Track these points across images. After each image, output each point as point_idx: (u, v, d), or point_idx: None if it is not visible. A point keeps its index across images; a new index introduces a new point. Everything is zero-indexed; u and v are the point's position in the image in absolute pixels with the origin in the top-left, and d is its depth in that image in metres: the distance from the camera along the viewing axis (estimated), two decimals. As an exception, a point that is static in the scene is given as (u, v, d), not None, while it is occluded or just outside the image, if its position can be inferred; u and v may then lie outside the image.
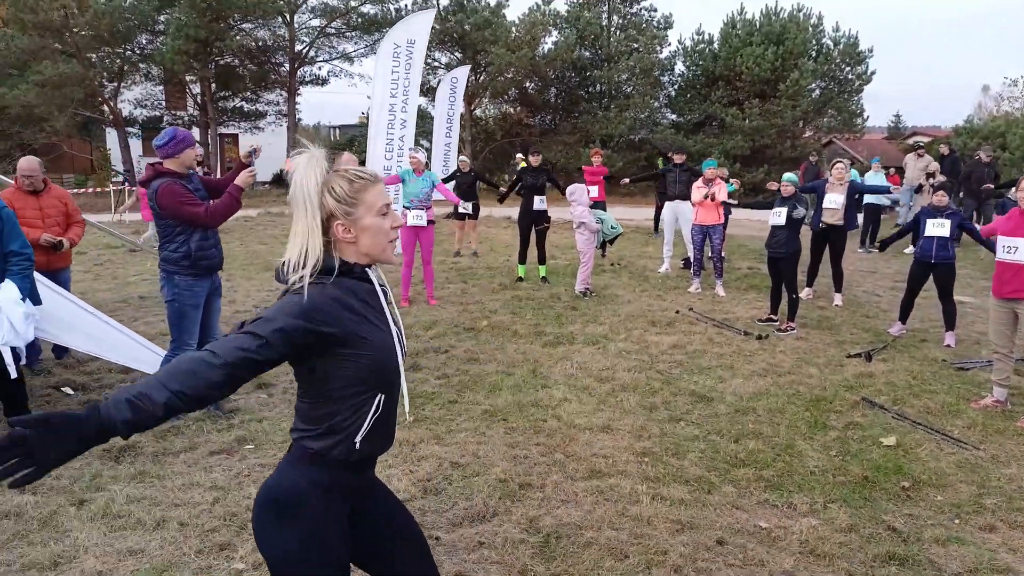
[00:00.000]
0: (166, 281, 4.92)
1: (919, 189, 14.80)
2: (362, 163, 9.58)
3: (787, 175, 8.17)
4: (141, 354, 5.53)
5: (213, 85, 26.76)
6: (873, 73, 27.33)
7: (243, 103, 28.38)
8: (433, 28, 15.05)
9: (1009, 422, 5.30)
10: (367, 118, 33.52)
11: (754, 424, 5.14)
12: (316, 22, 27.35)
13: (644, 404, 5.50)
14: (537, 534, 3.55)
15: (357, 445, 1.86)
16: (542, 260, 10.19)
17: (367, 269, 1.90)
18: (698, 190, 9.53)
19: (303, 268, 1.78)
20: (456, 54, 26.90)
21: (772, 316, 8.20)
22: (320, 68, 29.24)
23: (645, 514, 3.76)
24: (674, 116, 28.51)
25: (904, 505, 4.00)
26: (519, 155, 18.74)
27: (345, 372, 1.81)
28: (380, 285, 1.93)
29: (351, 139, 35.53)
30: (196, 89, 27.17)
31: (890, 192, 10.51)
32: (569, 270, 11.15)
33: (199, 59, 24.70)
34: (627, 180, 12.03)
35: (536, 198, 9.82)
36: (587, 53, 27.60)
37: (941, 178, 12.89)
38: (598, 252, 10.38)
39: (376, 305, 1.90)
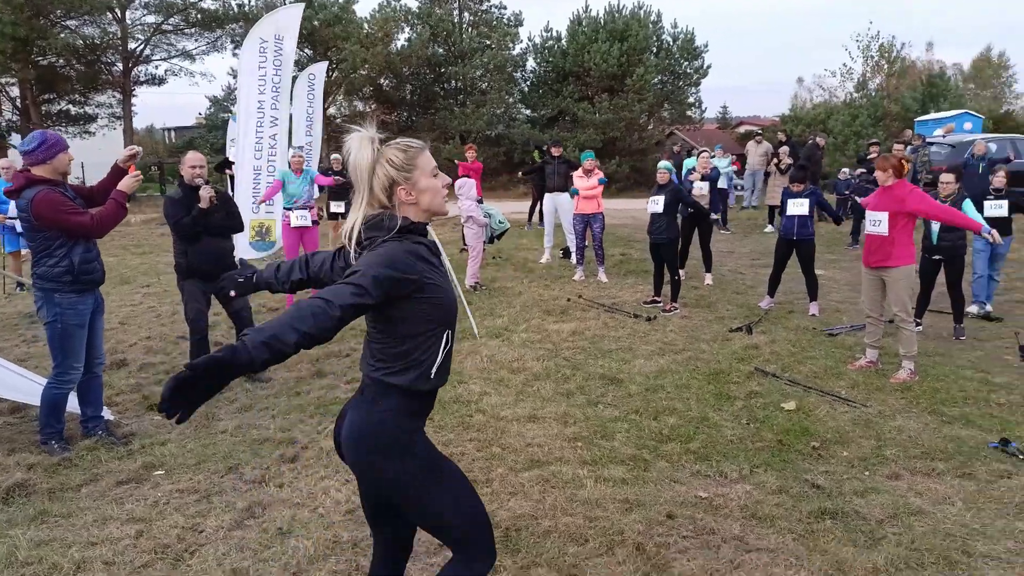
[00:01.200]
0: (44, 301, 4.43)
1: (766, 174, 15.97)
2: (221, 165, 9.04)
3: (662, 163, 8.55)
4: (18, 383, 4.95)
5: (35, 87, 24.30)
6: (709, 67, 29.17)
7: (70, 106, 25.99)
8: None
9: (884, 379, 5.84)
10: (205, 119, 31.68)
11: (666, 401, 5.36)
12: (151, 18, 25.53)
13: (561, 391, 5.59)
14: (496, 529, 3.51)
15: (432, 375, 2.14)
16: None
17: (427, 227, 2.21)
18: (579, 179, 9.78)
19: (373, 230, 2.08)
20: (306, 51, 25.99)
21: (656, 298, 8.57)
22: (157, 67, 27.35)
23: (593, 497, 3.82)
24: (528, 111, 29.07)
25: (819, 463, 4.32)
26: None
27: (422, 313, 2.08)
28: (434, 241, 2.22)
29: (189, 141, 33.50)
30: (15, 92, 24.57)
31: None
32: (454, 264, 11.08)
33: (17, 59, 22.35)
34: (521, 174, 12.18)
35: None
36: (441, 50, 27.55)
37: (788, 161, 13.96)
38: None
39: (435, 257, 2.18)
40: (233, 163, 9.68)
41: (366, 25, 25.50)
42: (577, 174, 9.86)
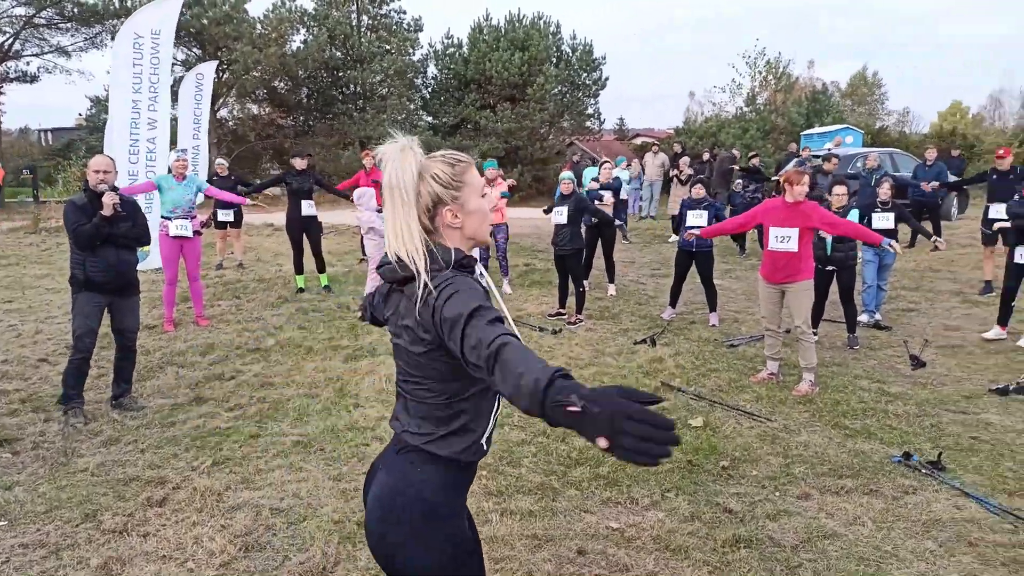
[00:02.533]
0: None
1: (667, 184, 16.23)
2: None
3: (565, 173, 8.41)
4: None
5: None
6: (607, 79, 29.64)
7: (-74, 106, 23.71)
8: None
9: (786, 392, 5.85)
10: (85, 120, 29.65)
11: (574, 421, 5.14)
12: (21, 11, 23.59)
13: (463, 413, 5.29)
14: (391, 577, 3.18)
15: (484, 446, 1.86)
16: (321, 268, 9.59)
17: (476, 263, 1.84)
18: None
19: (431, 257, 1.74)
20: (195, 50, 24.68)
21: (561, 310, 8.41)
22: (28, 63, 25.32)
23: (500, 533, 3.54)
24: (430, 118, 28.68)
25: (729, 484, 4.19)
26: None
27: None
28: (482, 274, 1.89)
29: (68, 143, 31.23)
30: None
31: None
32: (351, 277, 10.64)
33: None
34: None
35: (304, 203, 9.25)
36: (339, 53, 26.75)
37: (689, 171, 14.18)
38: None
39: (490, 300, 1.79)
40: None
41: (259, 25, 24.45)
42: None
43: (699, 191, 8.18)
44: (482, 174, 9.41)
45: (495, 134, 26.49)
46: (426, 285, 1.71)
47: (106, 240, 5.10)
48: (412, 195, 1.76)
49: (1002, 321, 7.50)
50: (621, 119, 43.83)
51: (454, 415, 1.80)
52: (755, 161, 13.52)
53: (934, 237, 7.57)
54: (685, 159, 15.13)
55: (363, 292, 9.05)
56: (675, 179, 14.68)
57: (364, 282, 9.32)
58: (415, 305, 1.73)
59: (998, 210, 9.32)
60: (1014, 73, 79.75)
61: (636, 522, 3.70)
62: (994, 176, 10.10)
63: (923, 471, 4.33)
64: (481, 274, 1.87)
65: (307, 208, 9.27)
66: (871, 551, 3.44)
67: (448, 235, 1.83)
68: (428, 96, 29.21)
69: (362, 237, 11.98)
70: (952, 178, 15.69)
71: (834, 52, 74.34)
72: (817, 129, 24.97)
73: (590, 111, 29.89)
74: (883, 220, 8.26)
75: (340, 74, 26.74)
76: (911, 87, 76.08)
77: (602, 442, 1.26)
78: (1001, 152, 10.39)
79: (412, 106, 27.99)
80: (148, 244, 5.67)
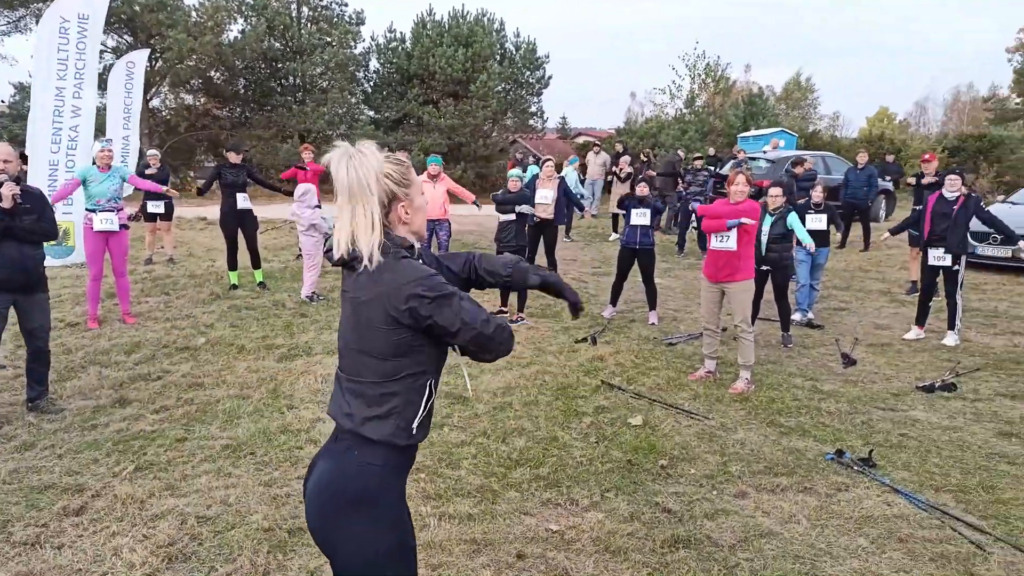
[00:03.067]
0: None
1: (608, 183, 16.35)
2: (23, 156, 7.84)
3: (512, 171, 8.34)
4: None
5: None
6: (550, 78, 29.74)
7: None
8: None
9: (723, 390, 5.92)
10: (8, 107, 28.21)
11: (514, 421, 5.10)
12: (-63, -8, 22.30)
13: (402, 414, 5.17)
14: (323, 586, 3.07)
15: (415, 431, 1.94)
16: (256, 264, 9.31)
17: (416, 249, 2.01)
18: (425, 184, 9.38)
19: (379, 249, 1.86)
20: (126, 37, 23.74)
21: (503, 308, 8.35)
22: (-58, 46, 23.93)
23: (437, 539, 3.46)
24: (372, 112, 28.27)
25: (668, 483, 4.20)
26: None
27: (418, 351, 1.90)
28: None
29: (-12, 131, 29.69)
30: None
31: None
32: (287, 273, 10.37)
33: None
34: None
35: (239, 196, 8.97)
36: (278, 44, 26.10)
37: (628, 170, 14.30)
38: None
39: None
40: (27, 155, 8.45)
41: (194, 13, 23.64)
42: (423, 179, 9.46)
43: (643, 189, 8.23)
44: (425, 169, 9.32)
45: (438, 130, 26.28)
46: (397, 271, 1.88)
47: (6, 234, 4.80)
48: (375, 193, 1.87)
49: (919, 322, 7.76)
50: (564, 118, 44.04)
51: (385, 396, 1.89)
52: (697, 164, 13.72)
53: (885, 234, 8.23)
54: (626, 158, 15.26)
55: (300, 290, 8.82)
56: (615, 177, 14.82)
57: (300, 278, 9.09)
58: (391, 294, 1.86)
59: None
60: (937, 81, 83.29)
61: (576, 524, 3.67)
62: (921, 180, 10.48)
63: (855, 468, 4.42)
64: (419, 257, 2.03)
65: (242, 202, 9.00)
66: (806, 549, 3.48)
67: (398, 230, 1.99)
68: (370, 90, 28.79)
69: (300, 234, 11.72)
70: (884, 183, 16.26)
71: (769, 58, 76.33)
72: (753, 132, 25.55)
73: (533, 109, 29.94)
74: (816, 221, 8.47)
75: (279, 65, 26.10)
76: (842, 92, 78.75)
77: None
78: (927, 156, 10.78)
79: (353, 100, 27.52)
80: (55, 239, 5.37)
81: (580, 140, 38.53)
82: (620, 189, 14.05)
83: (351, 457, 1.89)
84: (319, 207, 8.80)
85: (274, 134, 25.36)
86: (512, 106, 28.95)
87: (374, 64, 28.74)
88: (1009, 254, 11.01)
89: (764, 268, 7.48)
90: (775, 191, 7.45)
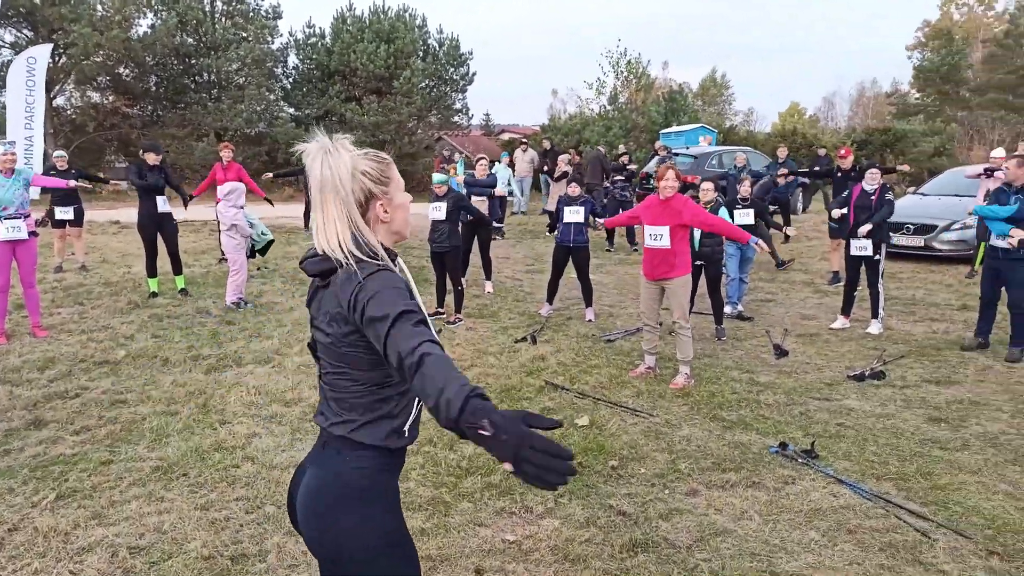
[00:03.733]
0: None
1: (536, 180, 16.36)
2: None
3: (437, 176, 8.18)
4: None
5: None
6: (475, 75, 29.59)
7: None
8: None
9: (664, 386, 5.95)
10: None
11: (460, 427, 4.97)
12: None
13: (343, 424, 4.99)
14: (272, 616, 2.90)
15: (407, 431, 1.89)
16: (177, 270, 8.88)
17: (397, 257, 1.90)
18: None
19: (359, 249, 1.78)
20: (25, 32, 22.34)
21: (439, 309, 8.21)
22: None
23: (390, 557, 3.31)
24: (292, 110, 27.51)
25: (620, 485, 4.17)
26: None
27: None
28: (403, 269, 1.92)
29: None
30: None
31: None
32: (210, 278, 9.94)
33: None
34: (270, 175, 11.20)
35: (159, 199, 8.54)
36: (190, 40, 25.07)
37: (566, 168, 14.33)
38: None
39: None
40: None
41: (100, 7, 22.43)
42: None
43: (574, 189, 8.23)
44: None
45: (362, 127, 25.78)
46: (355, 273, 1.75)
47: None
48: (349, 191, 1.79)
49: (845, 311, 8.03)
50: (487, 114, 44.00)
51: (376, 402, 1.83)
52: (624, 159, 13.86)
53: (784, 228, 8.74)
54: (564, 156, 15.31)
55: (224, 296, 8.45)
56: (549, 176, 14.85)
57: (224, 283, 8.71)
58: (341, 290, 1.75)
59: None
60: (843, 78, 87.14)
61: (532, 532, 3.59)
62: (838, 174, 10.85)
63: (799, 460, 4.49)
64: (401, 269, 1.89)
65: (162, 205, 8.58)
66: (761, 546, 3.50)
67: (377, 229, 1.88)
68: (289, 87, 28.01)
69: (219, 235, 11.25)
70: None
71: (685, 57, 78.24)
72: (675, 128, 26.05)
73: (458, 106, 29.76)
74: (744, 216, 8.64)
75: (192, 61, 25.09)
76: (754, 89, 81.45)
77: (507, 466, 1.38)
78: (843, 152, 11.18)
79: (272, 97, 26.71)
80: None
81: (504, 137, 38.59)
82: (557, 188, 14.08)
83: (343, 460, 1.84)
84: (243, 207, 8.45)
85: (189, 132, 24.35)
86: (436, 103, 28.68)
87: (293, 60, 27.99)
88: (922, 243, 11.53)
89: (697, 263, 7.58)
90: (707, 186, 7.56)
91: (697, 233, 7.48)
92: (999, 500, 3.95)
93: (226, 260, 10.88)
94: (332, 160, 1.79)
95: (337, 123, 26.53)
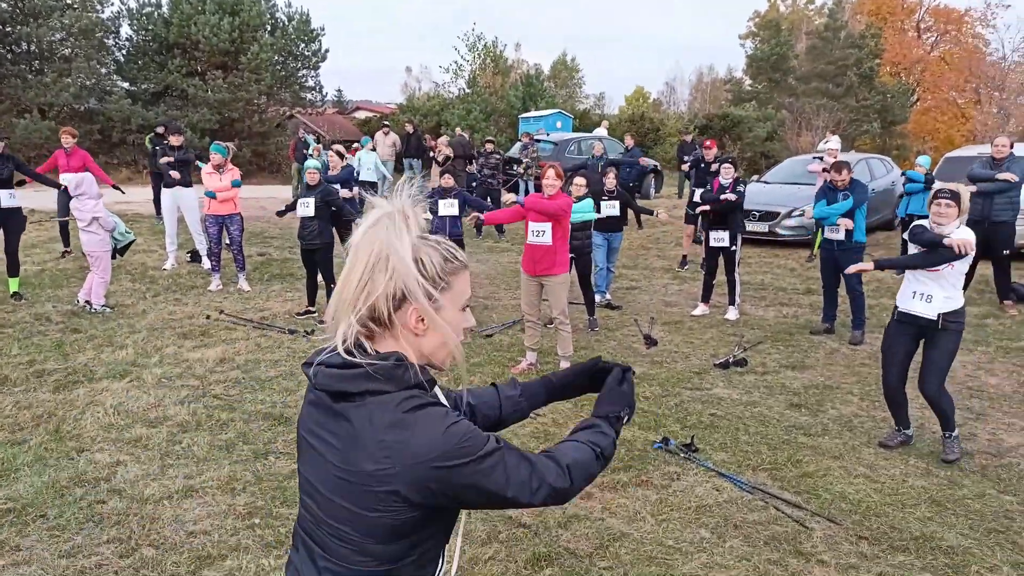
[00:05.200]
0: None
1: (399, 163, 16.04)
2: None
3: (311, 162, 7.82)
4: None
5: None
6: (327, 51, 28.51)
7: None
8: None
9: (547, 383, 6.02)
10: None
11: (346, 439, 4.80)
12: None
13: (219, 444, 4.67)
14: None
15: None
16: (13, 271, 7.94)
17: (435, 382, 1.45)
18: (208, 175, 8.50)
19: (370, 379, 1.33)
20: None
21: (311, 308, 7.87)
22: None
23: (290, 595, 3.13)
24: (127, 84, 25.33)
25: (517, 493, 4.17)
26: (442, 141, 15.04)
27: (428, 520, 1.38)
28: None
29: None
30: None
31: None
32: (46, 278, 8.99)
33: None
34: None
35: (3, 193, 7.67)
36: (4, 5, 22.38)
37: (447, 152, 14.10)
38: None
39: None
40: None
41: None
42: (206, 170, 8.58)
43: (448, 180, 8.12)
44: (208, 159, 8.48)
45: (207, 104, 24.19)
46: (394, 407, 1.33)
47: None
48: (388, 274, 1.35)
49: (704, 298, 8.49)
50: (339, 91, 42.60)
51: (390, 572, 1.40)
52: (489, 147, 13.85)
53: (656, 211, 9.25)
54: (443, 139, 15.09)
55: (65, 298, 7.68)
56: (433, 161, 14.62)
57: (63, 284, 7.91)
58: (379, 438, 1.32)
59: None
60: (682, 64, 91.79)
61: (435, 553, 3.52)
62: (702, 165, 11.42)
63: (681, 455, 4.69)
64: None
65: (7, 199, 7.72)
66: (657, 548, 3.63)
67: (400, 340, 1.40)
68: (123, 60, 25.75)
69: (62, 225, 10.21)
70: (652, 161, 17.58)
71: (535, 40, 79.40)
72: (533, 113, 26.40)
73: (311, 83, 28.61)
74: (610, 208, 8.88)
75: (8, 30, 22.43)
76: (602, 74, 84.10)
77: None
78: (708, 143, 11.76)
79: (104, 70, 24.45)
80: None
81: (360, 115, 37.58)
82: (438, 172, 13.86)
83: None
84: (102, 196, 7.67)
85: (8, 108, 21.86)
86: (287, 80, 27.43)
87: (126, 31, 25.71)
88: (766, 229, 12.37)
89: (569, 256, 7.71)
90: (579, 181, 7.69)
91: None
92: (860, 484, 4.32)
93: (69, 253, 9.92)
94: (392, 228, 1.36)
95: (179, 99, 24.76)
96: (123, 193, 10.38)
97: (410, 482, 1.31)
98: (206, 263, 9.63)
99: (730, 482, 4.33)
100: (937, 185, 4.88)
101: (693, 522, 3.88)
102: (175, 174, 9.13)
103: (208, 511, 3.83)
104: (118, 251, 7.87)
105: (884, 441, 4.93)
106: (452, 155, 14.18)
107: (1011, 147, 8.19)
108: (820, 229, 11.31)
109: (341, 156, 10.09)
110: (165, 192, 9.57)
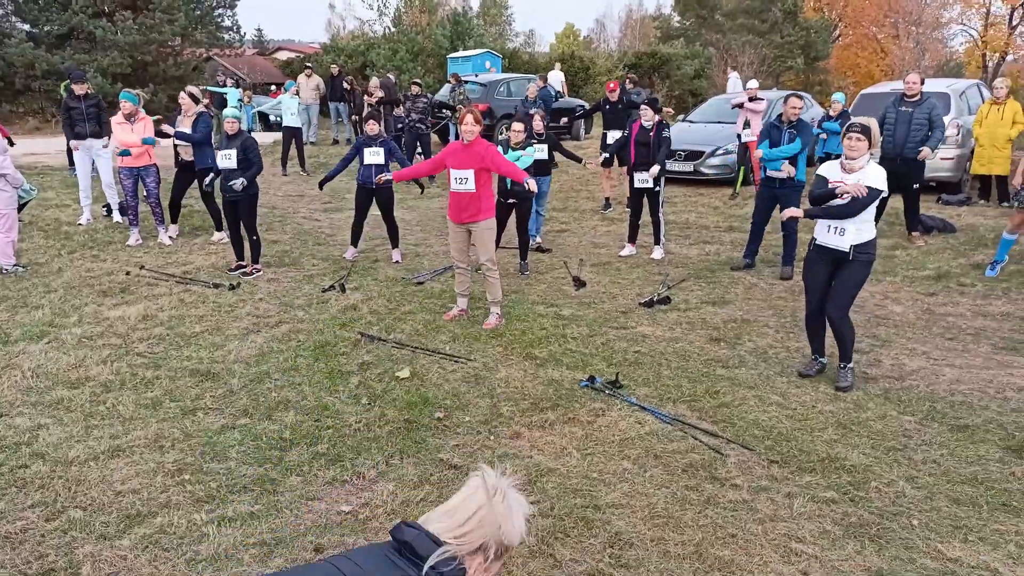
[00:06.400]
0: None
1: (323, 106, 15.61)
2: None
3: (230, 111, 7.53)
4: None
5: None
6: (245, -11, 27.22)
7: None
8: None
9: (477, 327, 6.11)
10: None
11: (276, 392, 4.81)
12: None
13: (144, 402, 4.62)
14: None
15: None
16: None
17: None
18: (119, 126, 8.11)
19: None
20: None
21: (241, 263, 7.69)
22: None
23: (222, 548, 3.18)
24: (28, 27, 23.68)
25: (448, 436, 4.28)
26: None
27: None
28: None
29: None
30: None
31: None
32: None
33: None
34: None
35: None
36: None
37: (380, 94, 13.73)
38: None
39: None
40: None
41: None
42: (117, 120, 8.18)
43: (372, 127, 7.94)
44: (118, 107, 8.08)
45: (116, 47, 22.85)
46: None
47: None
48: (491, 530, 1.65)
49: (631, 239, 8.67)
50: (259, 30, 40.85)
51: None
52: (416, 89, 13.58)
53: (584, 161, 9.17)
54: (375, 81, 14.70)
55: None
56: (367, 106, 14.21)
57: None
58: None
59: (613, 135, 10.63)
60: (611, 1, 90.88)
61: (368, 499, 3.61)
62: (607, 106, 11.49)
63: (607, 392, 4.86)
64: None
65: None
66: (582, 481, 3.80)
67: None
68: (21, 1, 24.00)
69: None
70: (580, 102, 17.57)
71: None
72: (462, 53, 25.86)
73: (227, 23, 27.31)
74: (539, 152, 8.89)
75: None
76: (533, 9, 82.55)
77: None
78: (611, 85, 11.81)
79: (1, 11, 22.80)
80: None
81: (282, 56, 36.17)
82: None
83: None
84: (7, 152, 7.25)
85: None
86: (203, 20, 26.10)
87: (20, -33, 23.90)
88: (691, 168, 12.58)
89: (510, 201, 7.71)
90: (517, 127, 7.65)
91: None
92: (773, 411, 4.57)
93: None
94: (516, 512, 1.67)
95: (86, 42, 23.32)
96: (12, 145, 9.81)
97: None
98: (116, 216, 9.28)
99: (652, 415, 4.53)
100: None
101: (616, 455, 4.07)
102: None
103: (136, 470, 3.81)
104: (18, 207, 7.51)
105: (803, 371, 5.21)
106: (383, 95, 13.86)
107: (921, 83, 8.49)
108: (742, 168, 11.67)
109: (196, 99, 8.85)
110: (76, 144, 9.11)
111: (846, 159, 4.82)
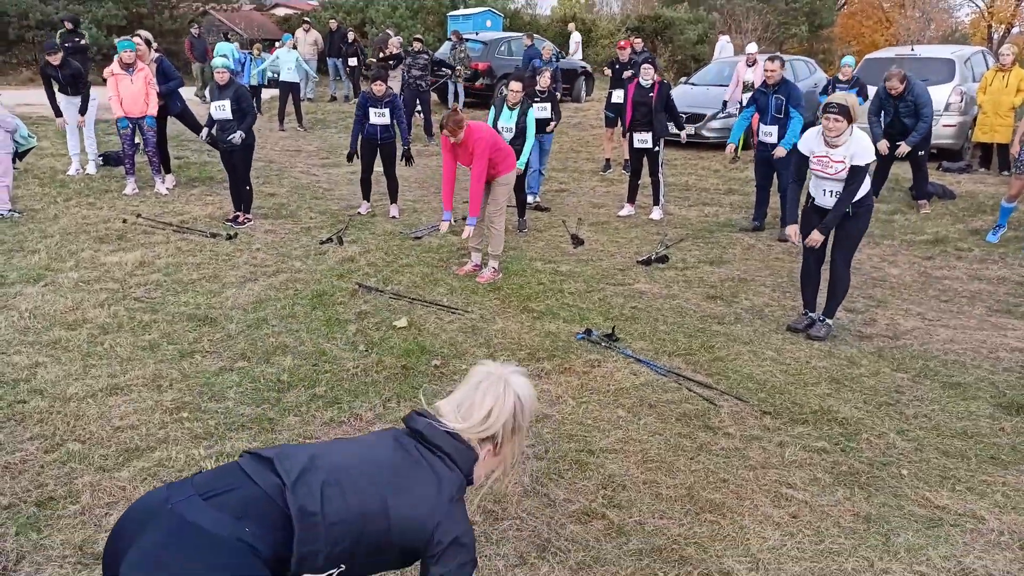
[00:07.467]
0: None
1: (322, 62, 15.33)
2: None
3: (219, 61, 7.42)
4: None
5: None
6: (241, -59, 26.66)
7: None
8: None
9: (475, 282, 6.11)
10: None
11: (274, 337, 4.82)
12: None
13: (142, 344, 4.63)
14: (95, 560, 2.73)
15: None
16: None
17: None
18: (117, 78, 7.98)
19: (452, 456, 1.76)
20: None
21: (238, 213, 7.65)
22: None
23: (221, 481, 3.21)
24: (19, -26, 23.20)
25: (445, 383, 4.30)
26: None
27: None
28: None
29: None
30: None
31: None
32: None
33: None
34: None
35: None
36: None
37: (399, 51, 13.52)
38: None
39: None
40: None
41: None
42: (114, 71, 8.01)
43: (380, 88, 7.76)
44: (114, 57, 7.95)
45: (111, -1, 22.48)
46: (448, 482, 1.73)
47: None
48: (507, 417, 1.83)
49: (630, 199, 8.64)
50: (254, -13, 39.99)
51: None
52: (417, 45, 13.38)
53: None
54: (394, 39, 14.45)
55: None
56: (381, 62, 14.01)
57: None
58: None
59: (618, 95, 10.50)
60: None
61: (364, 439, 3.64)
62: (616, 65, 11.34)
63: (603, 344, 4.89)
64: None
65: None
66: (576, 427, 3.83)
67: (480, 462, 1.84)
68: (12, -55, 23.50)
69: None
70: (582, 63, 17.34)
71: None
72: (463, 11, 25.49)
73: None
74: (541, 110, 8.81)
75: None
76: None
77: None
78: (622, 44, 11.66)
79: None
80: None
81: (279, 12, 35.58)
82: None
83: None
84: None
85: None
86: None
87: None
88: (692, 131, 12.49)
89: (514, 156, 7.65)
90: (515, 87, 7.57)
91: (508, 135, 7.39)
92: (767, 366, 4.61)
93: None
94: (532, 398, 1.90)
95: (78, -8, 22.88)
96: None
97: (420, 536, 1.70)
98: (91, 168, 9.18)
99: (647, 367, 4.56)
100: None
101: (611, 403, 4.10)
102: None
103: (135, 407, 3.83)
104: (19, 155, 7.43)
105: (792, 324, 5.25)
106: (400, 54, 13.63)
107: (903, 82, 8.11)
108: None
109: (149, 44, 8.49)
110: (61, 96, 8.87)
111: (825, 139, 4.80)
